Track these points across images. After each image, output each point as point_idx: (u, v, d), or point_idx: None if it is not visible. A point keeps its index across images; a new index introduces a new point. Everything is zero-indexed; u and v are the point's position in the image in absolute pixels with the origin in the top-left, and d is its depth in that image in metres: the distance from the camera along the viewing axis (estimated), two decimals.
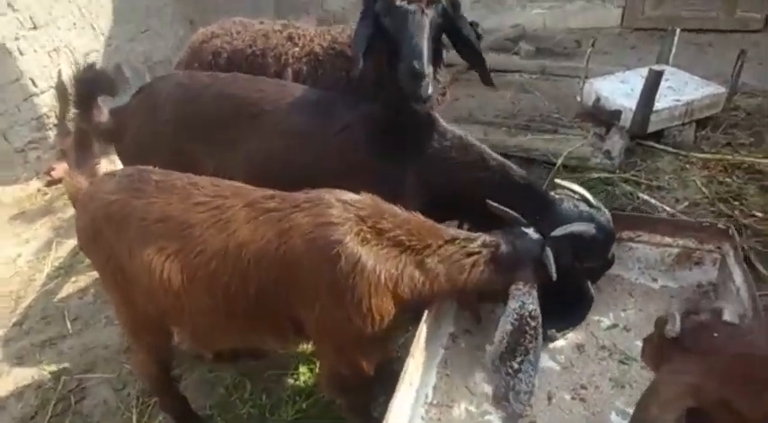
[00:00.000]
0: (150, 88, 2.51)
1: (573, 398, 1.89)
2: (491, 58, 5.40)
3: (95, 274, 3.27)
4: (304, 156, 2.16)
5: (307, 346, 2.65)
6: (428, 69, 2.01)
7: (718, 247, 2.13)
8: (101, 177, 1.89)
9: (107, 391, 2.65)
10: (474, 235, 1.81)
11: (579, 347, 2.05)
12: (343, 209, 1.68)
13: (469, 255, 1.74)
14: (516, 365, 1.76)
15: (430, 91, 2.09)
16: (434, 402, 1.91)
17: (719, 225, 2.16)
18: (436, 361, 2.02)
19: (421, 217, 1.81)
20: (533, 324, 1.75)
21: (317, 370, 2.54)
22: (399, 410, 1.62)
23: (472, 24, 2.40)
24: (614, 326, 2.13)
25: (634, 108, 3.77)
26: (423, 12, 2.03)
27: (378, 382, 2.26)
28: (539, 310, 1.76)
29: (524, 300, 1.74)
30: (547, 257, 1.74)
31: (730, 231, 2.08)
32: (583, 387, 1.90)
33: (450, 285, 1.73)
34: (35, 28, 4.30)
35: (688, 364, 1.27)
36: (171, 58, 5.43)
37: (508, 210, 1.89)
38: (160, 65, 5.24)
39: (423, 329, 1.82)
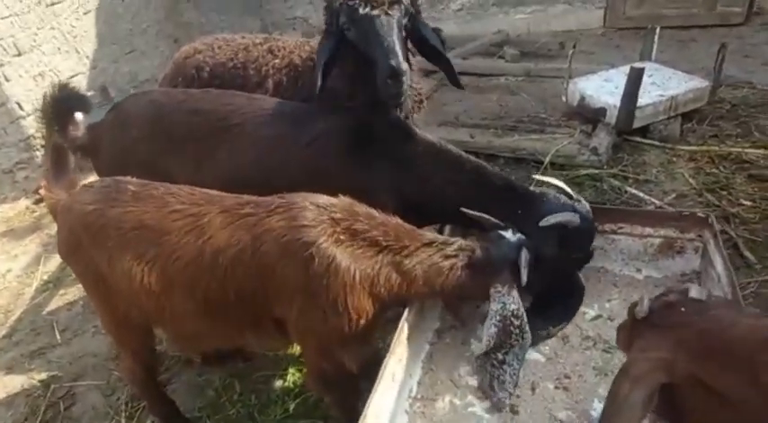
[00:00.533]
0: (123, 105, 2.54)
1: (556, 387, 1.87)
2: (476, 63, 5.46)
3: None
4: (274, 166, 2.17)
5: (295, 348, 2.67)
6: (405, 66, 2.02)
7: (699, 236, 2.11)
8: (78, 189, 1.92)
9: (96, 397, 2.64)
10: (451, 239, 1.82)
11: (564, 338, 2.03)
12: (317, 211, 1.68)
13: (447, 258, 1.74)
14: (501, 356, 1.78)
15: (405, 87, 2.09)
16: (419, 396, 1.90)
17: (699, 213, 2.14)
18: (421, 356, 2.00)
19: (398, 220, 1.81)
20: (517, 323, 1.76)
21: (305, 370, 2.53)
22: (380, 404, 1.60)
23: (435, 30, 2.42)
24: (598, 317, 2.10)
25: (618, 105, 3.78)
26: (387, 14, 2.04)
27: (365, 380, 2.25)
28: (521, 309, 1.77)
29: (505, 301, 1.74)
30: (521, 260, 1.74)
31: (710, 219, 2.06)
32: (566, 376, 1.88)
33: (428, 288, 1.73)
34: (19, 54, 4.35)
35: (657, 340, 1.26)
36: (157, 77, 5.48)
37: (483, 215, 1.89)
38: (146, 84, 5.29)
39: (404, 326, 1.81)
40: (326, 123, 2.18)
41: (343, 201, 1.76)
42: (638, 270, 2.25)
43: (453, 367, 1.99)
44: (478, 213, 1.89)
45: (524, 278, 1.73)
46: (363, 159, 2.10)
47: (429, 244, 1.75)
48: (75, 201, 1.86)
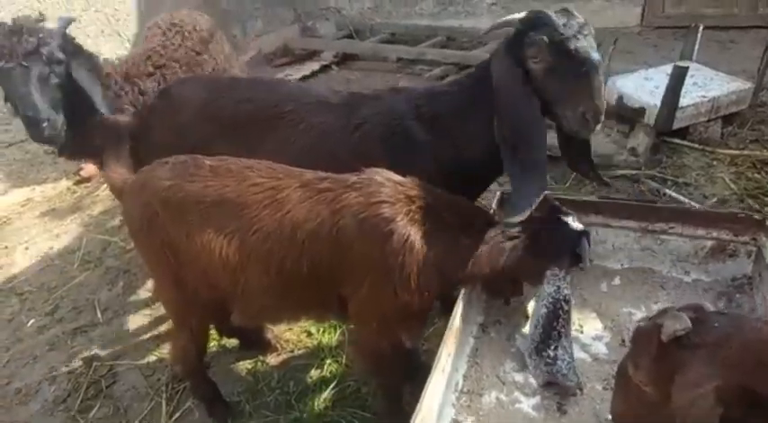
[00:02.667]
0: (171, 91, 2.58)
1: (604, 388, 1.86)
2: None
3: (124, 266, 3.41)
4: (324, 153, 2.19)
5: (332, 337, 2.72)
6: (45, 114, 2.26)
7: (754, 239, 2.08)
8: (151, 166, 1.96)
9: (137, 376, 2.71)
10: None
11: (611, 339, 2.03)
12: (394, 189, 1.74)
13: (510, 238, 1.80)
14: (552, 353, 1.82)
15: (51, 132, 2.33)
16: (465, 390, 1.91)
17: (756, 216, 2.11)
18: (467, 350, 2.02)
19: (465, 200, 1.88)
20: (566, 308, 1.84)
21: (343, 361, 2.59)
22: (432, 395, 1.62)
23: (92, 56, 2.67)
24: (646, 319, 2.09)
25: (659, 105, 3.73)
26: (22, 65, 2.22)
27: (407, 369, 2.29)
28: (571, 296, 1.84)
29: (560, 284, 1.81)
30: (583, 248, 1.77)
31: (767, 222, 2.03)
32: (614, 377, 1.87)
33: (490, 268, 1.78)
34: None
35: (704, 366, 1.16)
36: None
37: (551, 199, 1.96)
38: None
39: (456, 318, 1.83)
40: (369, 109, 2.21)
41: (414, 179, 1.81)
42: (687, 272, 2.23)
43: (499, 363, 2.01)
44: (552, 198, 1.98)
45: (587, 263, 1.81)
46: (405, 138, 2.12)
47: (493, 223, 1.83)
48: (150, 176, 1.90)
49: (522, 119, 1.87)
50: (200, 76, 2.89)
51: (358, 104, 2.24)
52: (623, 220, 2.25)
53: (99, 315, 3.10)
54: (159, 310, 3.03)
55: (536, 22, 1.80)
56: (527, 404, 1.84)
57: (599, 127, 1.91)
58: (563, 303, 1.82)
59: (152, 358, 2.80)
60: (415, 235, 1.68)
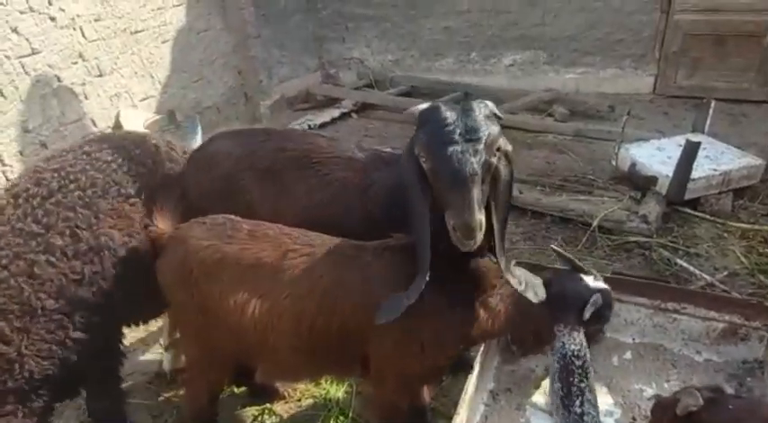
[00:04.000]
0: (207, 145, 2.69)
1: None
2: (526, 119, 5.59)
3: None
4: (341, 209, 2.25)
5: (340, 388, 2.72)
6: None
7: (765, 325, 2.11)
8: (189, 224, 2.03)
9: (144, 416, 2.70)
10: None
11: (621, 416, 2.03)
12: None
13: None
14: (579, 409, 1.85)
15: None
16: None
17: (767, 303, 2.15)
18: (477, 417, 2.03)
19: (486, 260, 1.94)
20: (578, 363, 1.89)
21: (350, 413, 2.58)
22: None
23: None
24: (657, 396, 2.09)
25: (671, 175, 3.83)
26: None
27: None
28: (584, 351, 1.89)
29: (564, 340, 1.87)
30: (594, 304, 1.85)
31: None
32: None
33: (507, 323, 1.86)
34: (101, 75, 4.64)
35: None
36: (219, 105, 5.77)
37: (571, 257, 2.04)
38: (209, 111, 5.55)
39: (470, 384, 1.86)
40: (381, 173, 2.26)
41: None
42: (698, 352, 2.25)
43: None
44: (567, 255, 2.05)
45: (587, 315, 1.85)
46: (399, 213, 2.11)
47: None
48: (189, 235, 1.98)
49: (412, 211, 1.77)
50: (233, 131, 2.96)
51: (374, 165, 2.31)
52: (636, 297, 2.29)
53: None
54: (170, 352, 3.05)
55: (427, 117, 1.67)
56: None
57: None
58: (573, 359, 1.86)
59: (160, 399, 2.79)
60: (439, 296, 1.74)
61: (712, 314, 2.19)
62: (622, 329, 2.35)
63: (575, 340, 1.87)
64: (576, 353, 1.86)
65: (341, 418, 2.59)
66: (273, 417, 2.66)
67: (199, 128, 4.89)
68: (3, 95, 3.96)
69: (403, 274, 1.76)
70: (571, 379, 1.87)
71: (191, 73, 5.41)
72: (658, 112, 5.83)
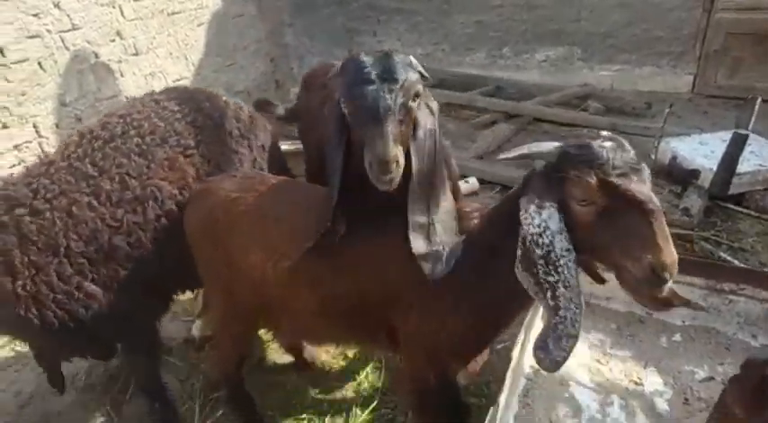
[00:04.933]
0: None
1: None
2: (560, 112, 5.47)
3: None
4: None
5: (368, 363, 2.66)
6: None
7: None
8: (221, 176, 1.99)
9: (172, 379, 2.68)
10: None
11: (673, 397, 1.91)
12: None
13: None
14: (551, 302, 1.38)
15: None
16: None
17: None
18: (518, 390, 1.93)
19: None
20: (539, 252, 1.37)
21: (379, 387, 2.54)
22: None
23: None
24: (710, 378, 1.98)
25: (714, 169, 3.69)
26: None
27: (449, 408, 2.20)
28: (549, 236, 1.36)
29: (522, 219, 1.40)
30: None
31: None
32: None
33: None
34: (137, 54, 4.69)
35: None
36: (250, 90, 5.78)
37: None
38: (240, 95, 5.56)
39: (513, 357, 1.76)
40: None
41: (474, 209, 1.76)
42: (754, 336, 2.13)
43: (551, 406, 1.92)
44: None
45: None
46: None
47: None
48: (218, 187, 1.93)
49: (329, 157, 1.72)
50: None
51: None
52: (689, 277, 2.18)
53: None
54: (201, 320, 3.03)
55: (347, 64, 1.61)
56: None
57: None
58: (532, 246, 1.37)
59: (188, 364, 2.79)
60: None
61: None
62: (672, 311, 2.22)
63: (533, 220, 1.36)
64: (534, 238, 1.35)
65: (369, 390, 2.53)
66: (301, 386, 2.61)
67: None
68: (42, 68, 4.02)
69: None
70: (534, 270, 1.37)
71: (224, 57, 5.44)
72: (698, 111, 5.67)
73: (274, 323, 2.05)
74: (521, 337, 1.86)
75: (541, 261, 1.36)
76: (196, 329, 2.90)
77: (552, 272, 1.36)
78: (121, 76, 4.57)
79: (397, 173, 1.52)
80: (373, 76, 1.53)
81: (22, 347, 2.90)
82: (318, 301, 1.75)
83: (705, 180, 3.79)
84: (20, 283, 1.81)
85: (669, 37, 5.91)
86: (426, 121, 1.67)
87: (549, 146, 1.42)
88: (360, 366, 2.67)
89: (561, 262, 1.35)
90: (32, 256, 1.83)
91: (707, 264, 2.27)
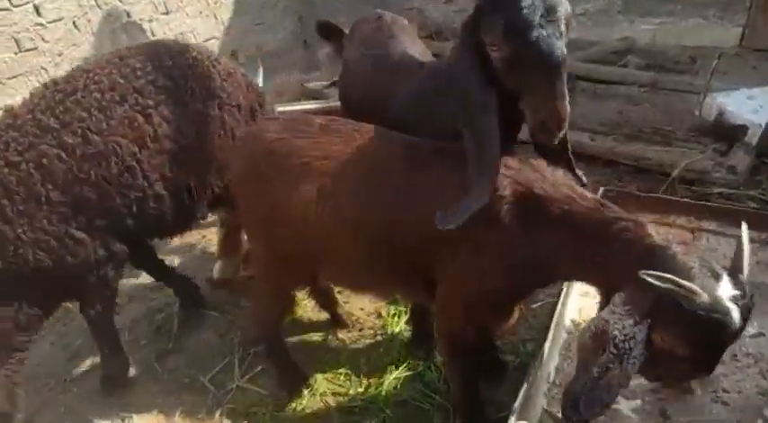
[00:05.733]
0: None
1: (714, 400, 1.74)
2: (595, 67, 5.25)
3: (201, 231, 3.50)
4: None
5: (401, 321, 2.69)
6: None
7: None
8: (263, 121, 1.99)
9: (211, 333, 2.79)
10: None
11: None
12: (503, 169, 1.61)
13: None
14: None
15: None
16: (557, 382, 1.84)
17: None
18: (560, 343, 1.94)
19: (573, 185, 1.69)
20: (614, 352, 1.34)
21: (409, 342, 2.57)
22: (533, 384, 1.55)
23: None
24: (760, 334, 1.94)
25: (763, 124, 3.52)
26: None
27: (485, 364, 2.22)
28: (628, 348, 1.33)
29: (609, 318, 1.37)
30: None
31: None
32: (725, 391, 1.75)
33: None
34: (167, 13, 4.66)
35: None
36: (279, 50, 5.72)
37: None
38: (270, 55, 5.51)
39: (556, 311, 1.76)
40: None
41: (527, 161, 1.67)
42: None
43: None
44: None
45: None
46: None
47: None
48: (261, 130, 1.93)
49: (470, 108, 1.60)
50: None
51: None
52: (738, 229, 2.09)
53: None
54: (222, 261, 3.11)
55: (496, 0, 1.48)
56: (626, 406, 1.74)
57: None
58: (613, 349, 1.34)
59: (227, 318, 2.88)
60: (511, 221, 1.55)
61: None
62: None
63: (621, 325, 1.31)
64: (617, 342, 1.31)
65: (402, 348, 2.56)
66: (337, 343, 2.67)
67: (260, 70, 4.87)
68: (77, 28, 4.04)
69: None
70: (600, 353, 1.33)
71: (253, 16, 5.38)
72: (746, 66, 5.35)
73: (316, 269, 2.05)
74: (563, 291, 1.84)
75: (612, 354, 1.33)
76: (217, 271, 3.00)
77: (615, 363, 1.33)
78: (152, 34, 4.57)
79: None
80: (539, 18, 1.39)
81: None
82: (360, 244, 1.74)
83: (753, 136, 3.62)
84: (19, 230, 1.90)
85: None
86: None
87: None
88: (393, 324, 2.70)
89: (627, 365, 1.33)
90: (20, 205, 1.90)
91: (760, 215, 2.19)
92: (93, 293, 2.22)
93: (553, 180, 1.58)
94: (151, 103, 2.17)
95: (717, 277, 1.27)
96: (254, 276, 2.92)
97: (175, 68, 2.28)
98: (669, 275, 1.22)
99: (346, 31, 2.85)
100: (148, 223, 2.27)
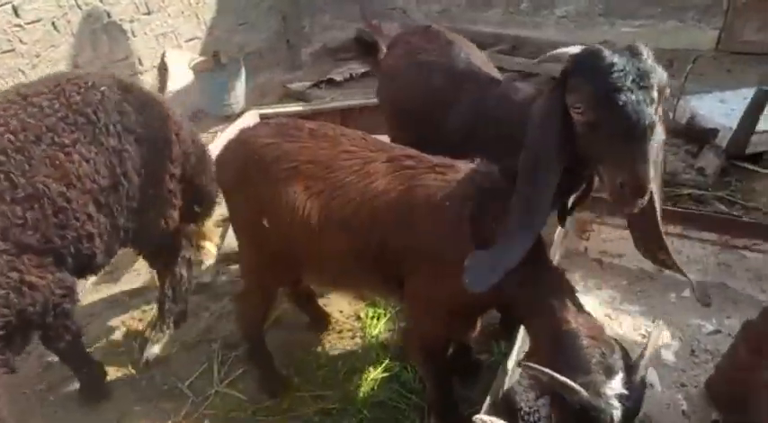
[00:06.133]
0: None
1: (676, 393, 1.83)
2: None
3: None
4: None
5: (380, 323, 2.74)
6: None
7: None
8: (255, 124, 2.04)
9: (189, 339, 2.80)
10: None
11: (680, 349, 1.97)
12: (470, 180, 1.68)
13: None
14: None
15: None
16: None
17: None
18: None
19: None
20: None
21: (389, 346, 2.62)
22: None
23: None
24: (717, 331, 2.03)
25: (733, 127, 3.62)
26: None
27: (459, 364, 2.28)
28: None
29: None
30: None
31: None
32: (683, 385, 1.83)
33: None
34: (149, 13, 4.65)
35: None
36: (262, 49, 5.72)
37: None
38: (252, 55, 5.52)
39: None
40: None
41: (497, 171, 1.74)
42: (763, 291, 2.16)
43: None
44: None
45: None
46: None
47: None
48: (251, 134, 1.99)
49: (535, 166, 1.55)
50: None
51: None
52: (703, 232, 2.19)
53: (156, 279, 3.16)
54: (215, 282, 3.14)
55: (587, 61, 1.43)
56: None
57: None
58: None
59: (205, 325, 2.88)
60: (472, 243, 1.60)
61: None
62: (684, 267, 2.25)
63: (526, 398, 1.58)
64: (523, 414, 1.61)
65: (380, 350, 2.61)
66: (316, 346, 2.71)
67: (243, 70, 4.90)
68: (56, 29, 4.03)
69: (459, 200, 1.64)
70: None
71: (236, 15, 5.38)
72: (721, 68, 5.48)
73: (301, 269, 2.11)
74: None
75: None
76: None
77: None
78: (133, 35, 4.56)
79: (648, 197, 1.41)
80: (630, 83, 1.36)
81: None
82: (344, 242, 1.80)
83: (723, 139, 3.73)
84: None
85: None
86: (660, 128, 1.50)
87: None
88: (372, 326, 2.75)
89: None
90: None
91: (722, 219, 2.28)
92: (55, 331, 2.15)
93: None
94: (67, 141, 2.04)
95: (610, 374, 1.32)
96: (234, 280, 2.97)
97: (84, 105, 2.12)
98: (548, 370, 1.30)
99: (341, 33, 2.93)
100: (83, 263, 2.18)
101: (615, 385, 1.29)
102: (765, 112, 3.53)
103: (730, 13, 5.64)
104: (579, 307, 1.51)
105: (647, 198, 1.40)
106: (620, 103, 1.35)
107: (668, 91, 1.44)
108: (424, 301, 1.83)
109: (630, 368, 1.33)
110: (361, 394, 2.39)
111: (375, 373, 2.48)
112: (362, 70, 5.74)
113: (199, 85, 4.77)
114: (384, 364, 2.52)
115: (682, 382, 1.87)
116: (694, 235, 2.20)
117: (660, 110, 1.42)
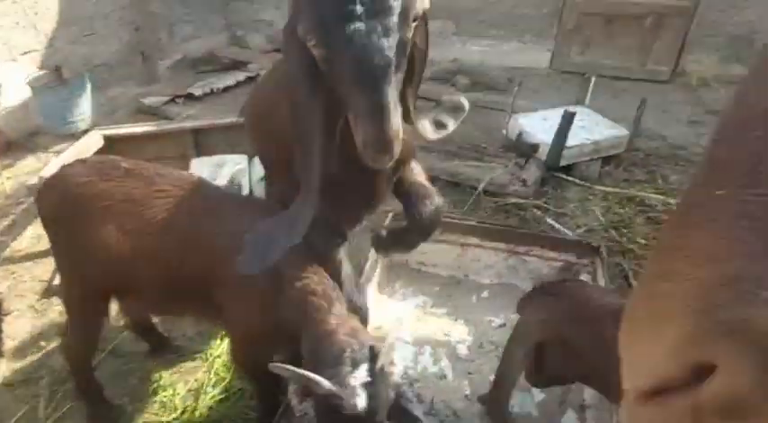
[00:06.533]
0: None
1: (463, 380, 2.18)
2: (428, 87, 5.79)
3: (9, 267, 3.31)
4: None
5: (222, 343, 2.80)
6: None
7: (592, 262, 2.47)
8: (72, 163, 2.04)
9: (10, 380, 2.66)
10: None
11: (472, 343, 2.31)
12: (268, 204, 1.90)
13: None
14: None
15: None
16: None
17: (592, 243, 2.51)
18: None
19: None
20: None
21: (231, 364, 2.67)
22: None
23: None
24: (503, 325, 2.40)
25: (550, 143, 4.19)
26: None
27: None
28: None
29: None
30: None
31: (600, 249, 2.42)
32: (469, 373, 2.17)
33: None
34: None
35: (542, 306, 1.54)
36: (111, 63, 5.46)
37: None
38: (101, 68, 5.25)
39: None
40: None
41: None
42: None
43: None
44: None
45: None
46: None
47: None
48: (68, 173, 1.99)
49: (297, 120, 1.32)
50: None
51: None
52: (495, 243, 2.57)
53: None
54: (46, 313, 3.00)
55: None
56: None
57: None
58: None
59: (31, 364, 2.74)
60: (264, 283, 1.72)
61: (552, 255, 2.52)
62: (483, 272, 2.63)
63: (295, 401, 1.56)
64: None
65: (222, 368, 2.68)
66: (156, 371, 2.71)
67: (88, 86, 4.66)
68: None
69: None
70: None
71: (81, 26, 5.09)
72: (552, 86, 6.25)
73: (123, 302, 2.20)
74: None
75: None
76: None
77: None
78: None
79: (398, 149, 1.16)
80: (359, 6, 1.07)
81: None
82: (157, 275, 1.89)
83: (544, 153, 4.29)
84: None
85: (532, 14, 6.41)
86: (423, 44, 1.26)
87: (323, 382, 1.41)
88: (214, 346, 2.82)
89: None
90: None
91: (506, 231, 2.68)
92: None
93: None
94: None
95: (355, 365, 1.44)
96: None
97: None
98: (290, 367, 1.42)
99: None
100: None
101: (359, 375, 1.42)
102: (576, 130, 4.16)
103: (559, 37, 6.45)
104: (345, 313, 1.68)
105: (397, 150, 1.16)
106: (344, 34, 1.08)
107: (420, 12, 1.18)
108: (232, 324, 1.98)
109: (374, 358, 1.45)
110: (197, 414, 2.45)
111: (213, 392, 2.55)
112: (224, 84, 5.71)
113: (37, 101, 4.46)
114: (224, 384, 2.59)
115: (469, 371, 2.20)
116: (488, 244, 2.58)
117: (414, 30, 1.18)
